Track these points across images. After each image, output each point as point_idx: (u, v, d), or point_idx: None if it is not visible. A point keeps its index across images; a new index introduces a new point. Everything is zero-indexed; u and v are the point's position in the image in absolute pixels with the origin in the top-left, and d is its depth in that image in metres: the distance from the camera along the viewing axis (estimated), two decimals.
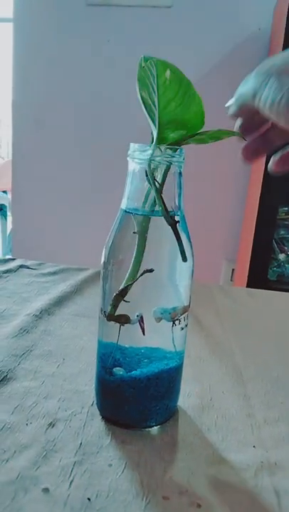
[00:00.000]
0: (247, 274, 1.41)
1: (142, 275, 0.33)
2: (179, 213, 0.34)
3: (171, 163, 0.33)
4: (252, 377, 0.47)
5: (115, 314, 0.35)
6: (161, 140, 0.33)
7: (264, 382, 0.46)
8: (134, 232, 0.33)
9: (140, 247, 0.33)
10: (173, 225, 0.33)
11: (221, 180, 1.63)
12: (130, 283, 0.34)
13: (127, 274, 0.34)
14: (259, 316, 0.66)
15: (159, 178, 0.33)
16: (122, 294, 0.34)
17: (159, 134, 0.33)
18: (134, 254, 0.33)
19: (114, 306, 0.34)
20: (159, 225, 0.34)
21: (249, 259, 1.40)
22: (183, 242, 0.34)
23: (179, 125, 0.33)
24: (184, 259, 0.34)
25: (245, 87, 0.33)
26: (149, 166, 0.32)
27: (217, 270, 1.72)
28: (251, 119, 0.36)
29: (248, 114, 0.35)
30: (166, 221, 0.33)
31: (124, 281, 0.34)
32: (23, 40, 1.56)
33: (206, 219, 1.64)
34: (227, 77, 1.51)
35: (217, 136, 0.33)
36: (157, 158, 0.32)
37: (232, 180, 1.63)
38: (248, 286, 1.39)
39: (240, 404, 0.42)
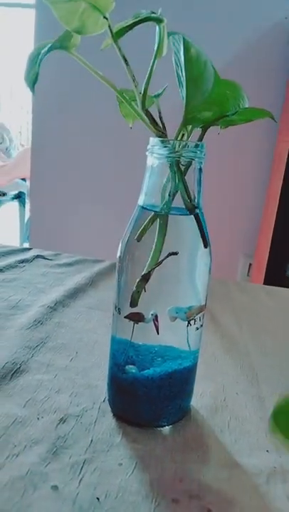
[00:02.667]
0: (264, 270, 1.39)
1: (166, 258, 0.32)
2: (197, 210, 0.33)
3: (192, 159, 0.32)
4: (267, 379, 0.46)
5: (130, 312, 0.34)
6: (188, 121, 0.32)
7: (279, 384, 0.45)
8: (155, 213, 0.32)
9: (162, 229, 0.32)
10: (193, 211, 0.32)
11: (240, 173, 1.61)
12: (154, 266, 0.33)
13: (150, 258, 0.33)
14: (276, 315, 0.65)
15: (180, 174, 0.32)
16: (146, 277, 0.33)
17: (186, 114, 0.32)
18: (155, 239, 0.33)
19: (138, 291, 0.33)
20: (177, 222, 0.33)
21: (267, 255, 1.38)
22: (200, 241, 0.33)
23: (207, 105, 0.32)
24: (206, 245, 0.33)
25: None
26: (171, 156, 0.31)
27: (234, 265, 1.70)
28: None
29: None
30: (186, 206, 0.32)
31: (147, 265, 0.33)
32: (45, 27, 1.55)
33: (223, 212, 1.62)
34: (251, 67, 1.47)
35: (248, 116, 0.32)
36: (176, 154, 0.31)
37: (252, 173, 1.60)
38: (265, 282, 1.37)
39: (254, 406, 0.41)
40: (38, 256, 0.76)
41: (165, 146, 0.31)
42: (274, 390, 0.44)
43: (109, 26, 0.29)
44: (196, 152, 0.32)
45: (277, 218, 1.35)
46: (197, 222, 0.32)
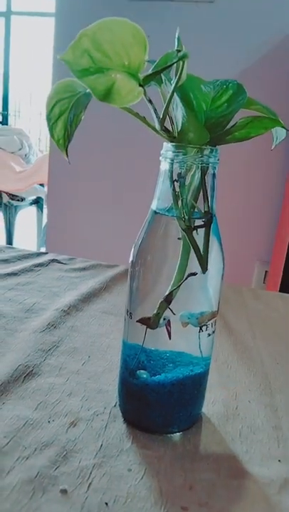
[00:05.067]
0: (281, 277, 1.37)
1: (185, 279, 0.32)
2: (208, 217, 0.33)
3: (205, 165, 0.32)
4: (281, 387, 0.45)
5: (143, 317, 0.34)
6: (191, 140, 0.32)
7: None
8: (178, 238, 0.32)
9: (185, 251, 0.32)
10: (187, 231, 0.31)
11: (256, 178, 1.60)
12: (175, 288, 0.33)
13: (173, 279, 0.33)
14: None
15: (194, 179, 0.32)
16: (168, 300, 0.33)
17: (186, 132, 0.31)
18: (179, 259, 0.33)
19: (159, 314, 0.33)
20: None
21: (283, 262, 1.36)
22: (214, 247, 0.33)
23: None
24: (204, 270, 0.33)
25: None
26: (171, 164, 0.31)
27: (249, 272, 1.69)
28: None
29: None
30: (180, 225, 0.31)
31: (170, 287, 0.33)
32: (64, 35, 1.57)
33: (238, 218, 1.61)
34: (268, 74, 1.47)
35: (262, 125, 0.31)
36: (190, 159, 0.31)
37: (268, 178, 1.59)
38: (281, 289, 1.36)
39: (267, 415, 0.40)
40: (53, 260, 0.77)
41: (178, 151, 0.31)
42: (287, 399, 0.43)
43: (144, 92, 0.28)
44: (209, 157, 0.32)
45: None
46: (190, 240, 0.32)
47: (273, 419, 0.40)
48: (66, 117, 0.29)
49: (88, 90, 0.27)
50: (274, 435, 0.38)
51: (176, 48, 0.26)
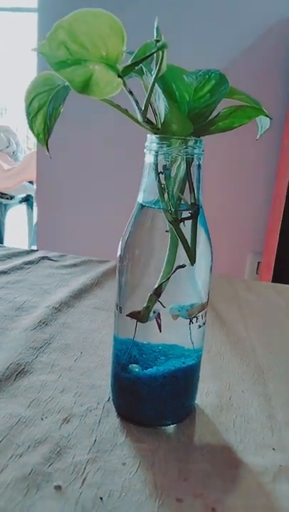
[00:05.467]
0: (272, 268, 1.38)
1: (174, 272, 0.32)
2: (195, 209, 0.33)
3: (190, 156, 0.31)
4: (274, 377, 0.45)
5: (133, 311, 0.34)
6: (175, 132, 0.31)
7: (286, 382, 0.45)
8: (166, 231, 0.32)
9: (173, 243, 0.32)
10: (174, 223, 0.31)
11: (247, 169, 1.60)
12: (164, 280, 0.33)
13: (162, 272, 0.33)
14: (284, 313, 0.64)
15: (179, 171, 0.32)
16: (157, 293, 0.33)
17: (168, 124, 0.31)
18: (167, 252, 0.32)
19: (148, 307, 0.33)
20: None
21: (275, 253, 1.37)
22: (201, 239, 0.33)
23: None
24: (192, 262, 0.33)
25: None
26: (156, 156, 0.31)
27: (242, 263, 1.69)
28: None
29: None
30: (167, 218, 0.31)
31: (159, 280, 0.33)
32: (47, 30, 1.56)
33: (230, 209, 1.61)
34: (251, 64, 1.46)
35: (245, 115, 0.31)
36: (174, 151, 0.31)
37: (258, 169, 1.59)
38: (274, 280, 1.36)
39: (260, 404, 0.41)
40: (43, 257, 0.76)
41: (162, 143, 0.31)
42: (280, 389, 0.43)
43: (124, 83, 0.27)
44: (194, 148, 0.31)
45: (284, 216, 1.34)
46: (177, 233, 0.32)
47: (267, 409, 0.40)
48: (45, 111, 0.28)
49: (66, 83, 0.26)
50: (268, 424, 0.38)
51: (155, 38, 0.26)
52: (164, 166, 0.32)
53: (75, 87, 0.25)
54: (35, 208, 2.65)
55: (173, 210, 0.31)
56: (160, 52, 0.26)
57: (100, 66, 0.26)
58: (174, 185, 0.32)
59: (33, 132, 0.29)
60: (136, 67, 0.26)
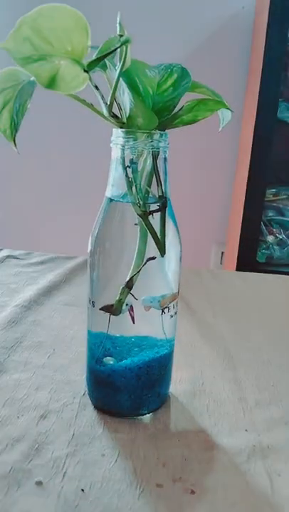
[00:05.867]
0: (236, 257, 1.41)
1: (145, 264, 0.33)
2: (163, 201, 0.34)
3: (156, 149, 0.32)
4: (243, 361, 0.47)
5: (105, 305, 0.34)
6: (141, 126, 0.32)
7: (255, 365, 0.46)
8: (135, 224, 0.33)
9: (143, 236, 0.33)
10: (143, 216, 0.32)
11: (208, 163, 1.62)
12: (135, 273, 0.33)
13: (132, 265, 0.33)
14: (249, 299, 0.66)
15: (146, 164, 0.33)
16: (129, 285, 0.33)
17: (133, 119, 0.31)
18: (137, 245, 0.33)
19: (121, 300, 0.34)
20: None
21: (238, 242, 1.40)
22: (170, 231, 0.33)
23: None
24: (161, 254, 0.33)
25: None
26: (123, 150, 0.31)
27: (206, 253, 1.72)
28: None
29: None
30: (136, 211, 0.32)
31: (130, 272, 0.33)
32: (4, 25, 1.52)
33: (193, 202, 1.63)
34: (211, 57, 1.48)
35: (207, 108, 0.32)
36: (140, 144, 0.31)
37: (219, 162, 1.62)
38: (237, 269, 1.40)
39: (231, 388, 0.42)
40: (8, 256, 0.75)
41: (128, 137, 0.31)
42: (250, 372, 0.45)
43: (90, 78, 0.28)
44: (159, 141, 0.32)
45: (245, 206, 1.37)
46: (146, 226, 0.32)
47: (238, 392, 0.41)
48: (11, 107, 0.28)
49: (32, 78, 0.26)
50: (239, 406, 0.39)
51: (118, 32, 0.26)
52: (131, 160, 0.32)
53: (42, 83, 0.25)
54: None
55: (141, 203, 0.31)
56: (124, 47, 0.26)
57: (65, 61, 0.26)
58: (142, 178, 0.32)
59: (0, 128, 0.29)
60: (100, 62, 0.27)
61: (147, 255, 0.33)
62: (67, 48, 0.25)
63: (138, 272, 0.33)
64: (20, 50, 0.25)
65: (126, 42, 0.26)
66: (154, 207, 0.33)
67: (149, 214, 0.32)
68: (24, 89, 0.28)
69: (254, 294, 0.68)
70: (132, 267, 0.33)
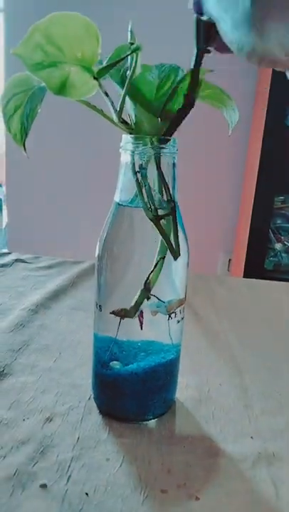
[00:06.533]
0: (244, 264, 1.41)
1: (158, 261, 0.33)
2: (172, 205, 0.34)
3: (161, 154, 0.32)
4: (249, 369, 0.47)
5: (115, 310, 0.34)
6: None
7: (261, 373, 0.46)
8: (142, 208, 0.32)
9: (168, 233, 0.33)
10: (154, 220, 0.32)
11: (216, 170, 1.63)
12: (151, 272, 0.33)
13: (153, 266, 0.33)
14: (256, 306, 0.66)
15: (156, 169, 0.33)
16: (147, 287, 0.33)
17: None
18: (158, 248, 0.33)
19: (138, 301, 0.33)
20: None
21: (246, 249, 1.40)
22: (179, 235, 0.33)
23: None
24: (175, 256, 0.33)
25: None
26: (133, 156, 0.32)
27: (214, 260, 1.72)
28: None
29: None
30: (147, 215, 0.32)
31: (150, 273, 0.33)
32: (15, 30, 1.54)
33: (201, 209, 1.64)
34: (220, 62, 1.49)
35: (216, 96, 0.32)
36: (149, 150, 0.32)
37: (227, 169, 1.62)
38: (244, 276, 1.39)
39: (237, 395, 0.42)
40: (17, 260, 0.76)
41: (138, 143, 0.32)
42: (256, 379, 0.45)
43: (100, 85, 0.28)
44: (168, 147, 0.32)
45: (253, 214, 1.37)
46: (159, 229, 0.33)
47: (243, 399, 0.41)
48: (22, 112, 0.28)
49: (43, 84, 0.27)
50: (245, 414, 0.39)
51: (129, 40, 0.27)
52: (141, 166, 0.32)
53: (52, 89, 0.26)
54: (4, 211, 2.61)
55: (153, 208, 0.31)
56: (134, 55, 0.27)
57: (75, 68, 0.26)
58: (154, 183, 0.32)
59: (10, 133, 0.29)
60: (110, 70, 0.27)
61: (140, 259, 0.33)
62: (77, 55, 0.26)
63: (152, 271, 0.33)
64: (31, 56, 0.25)
65: (136, 50, 0.26)
66: (162, 211, 0.33)
67: (161, 218, 0.32)
68: (35, 94, 0.28)
69: (261, 301, 0.68)
70: (152, 268, 0.33)
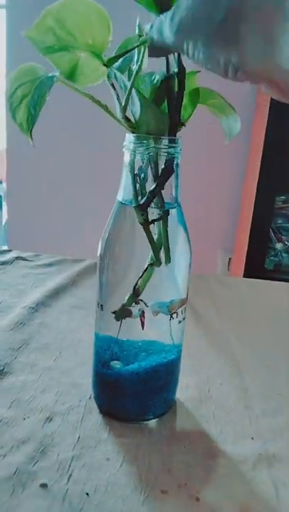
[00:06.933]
0: (244, 264, 1.41)
1: (146, 269, 0.33)
2: (175, 205, 0.34)
3: (168, 155, 0.32)
4: (250, 369, 0.47)
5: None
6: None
7: (262, 373, 0.46)
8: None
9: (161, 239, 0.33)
10: (144, 223, 0.32)
11: (218, 169, 1.62)
12: (140, 277, 0.33)
13: (143, 274, 0.33)
14: (257, 306, 0.66)
15: (156, 169, 0.33)
16: (137, 293, 0.33)
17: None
18: (149, 254, 0.33)
19: (125, 305, 0.34)
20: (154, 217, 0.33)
21: (246, 249, 1.40)
22: (181, 235, 0.33)
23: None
24: (167, 260, 0.33)
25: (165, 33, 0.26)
26: (134, 155, 0.31)
27: (213, 259, 1.72)
28: None
29: None
30: (138, 219, 0.32)
31: (140, 281, 0.33)
32: (17, 27, 1.53)
33: (202, 208, 1.63)
34: None
35: (219, 106, 0.32)
36: (152, 150, 0.32)
37: (228, 168, 1.62)
38: (245, 275, 1.39)
39: (237, 395, 0.42)
40: (17, 257, 0.76)
41: (141, 142, 0.32)
42: (256, 380, 0.45)
43: (108, 76, 0.28)
44: (171, 147, 0.32)
45: (254, 213, 1.37)
46: (146, 233, 0.32)
47: (244, 399, 0.41)
48: (29, 100, 0.28)
49: (50, 74, 0.27)
50: (246, 414, 0.39)
51: (137, 33, 0.27)
52: (140, 168, 0.32)
53: (62, 73, 0.26)
54: (4, 208, 2.60)
55: (144, 213, 0.31)
56: (142, 48, 0.27)
57: (86, 54, 0.26)
58: (153, 184, 0.32)
59: (16, 121, 0.29)
60: (119, 59, 0.27)
61: (142, 259, 0.33)
62: (88, 41, 0.26)
63: (142, 276, 0.33)
64: (43, 39, 0.26)
65: (144, 42, 0.26)
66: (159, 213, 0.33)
67: (150, 223, 0.32)
68: (43, 83, 0.28)
69: (262, 301, 0.68)
70: (141, 273, 0.33)
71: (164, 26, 0.24)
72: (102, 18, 0.26)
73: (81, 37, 0.26)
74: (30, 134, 0.29)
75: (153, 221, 0.32)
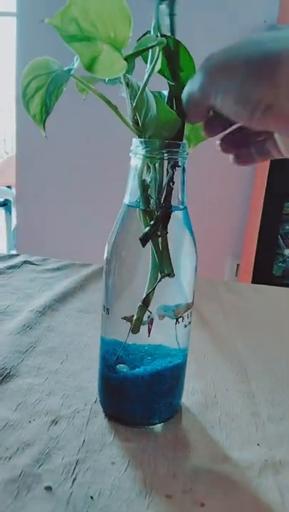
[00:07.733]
0: (252, 270, 1.40)
1: (160, 280, 0.33)
2: (182, 207, 0.34)
3: (174, 159, 0.32)
4: (256, 375, 0.46)
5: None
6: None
7: (269, 379, 0.46)
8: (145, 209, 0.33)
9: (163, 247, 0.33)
10: (144, 240, 0.31)
11: (226, 175, 1.62)
12: (151, 290, 0.33)
13: (148, 282, 0.33)
14: (264, 312, 0.65)
15: (164, 174, 0.33)
16: (146, 303, 0.33)
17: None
18: (150, 261, 0.33)
19: (139, 318, 0.33)
20: None
21: (254, 255, 1.39)
22: (187, 239, 0.33)
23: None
24: (171, 274, 0.33)
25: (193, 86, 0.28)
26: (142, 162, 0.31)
27: (222, 265, 1.72)
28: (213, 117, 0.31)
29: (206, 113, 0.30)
30: (142, 240, 0.32)
31: (146, 289, 0.33)
32: (27, 35, 1.55)
33: (210, 214, 1.63)
34: None
35: None
36: (158, 154, 0.32)
37: (237, 174, 1.62)
38: (253, 281, 1.39)
39: (244, 401, 0.41)
40: (25, 261, 0.76)
41: (147, 147, 0.32)
42: (263, 386, 0.44)
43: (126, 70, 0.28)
44: (178, 152, 0.32)
45: (262, 219, 1.37)
46: (154, 247, 0.32)
47: (251, 406, 0.41)
48: (44, 91, 0.29)
49: (66, 68, 0.27)
50: (252, 421, 0.39)
51: (153, 33, 0.27)
52: (147, 172, 0.32)
53: (84, 63, 0.27)
54: (13, 212, 2.62)
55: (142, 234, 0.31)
56: (157, 49, 0.27)
57: (107, 46, 0.27)
58: (141, 190, 0.32)
59: (29, 113, 0.30)
60: (137, 56, 0.28)
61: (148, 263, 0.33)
62: (110, 34, 0.27)
63: (153, 289, 0.33)
64: (66, 28, 0.26)
65: (161, 43, 0.27)
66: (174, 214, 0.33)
67: (146, 242, 0.32)
68: (59, 75, 0.29)
69: (269, 307, 0.68)
70: (147, 281, 0.33)
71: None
72: (125, 13, 0.27)
73: (103, 29, 0.27)
74: (44, 125, 0.30)
75: (149, 238, 0.32)
